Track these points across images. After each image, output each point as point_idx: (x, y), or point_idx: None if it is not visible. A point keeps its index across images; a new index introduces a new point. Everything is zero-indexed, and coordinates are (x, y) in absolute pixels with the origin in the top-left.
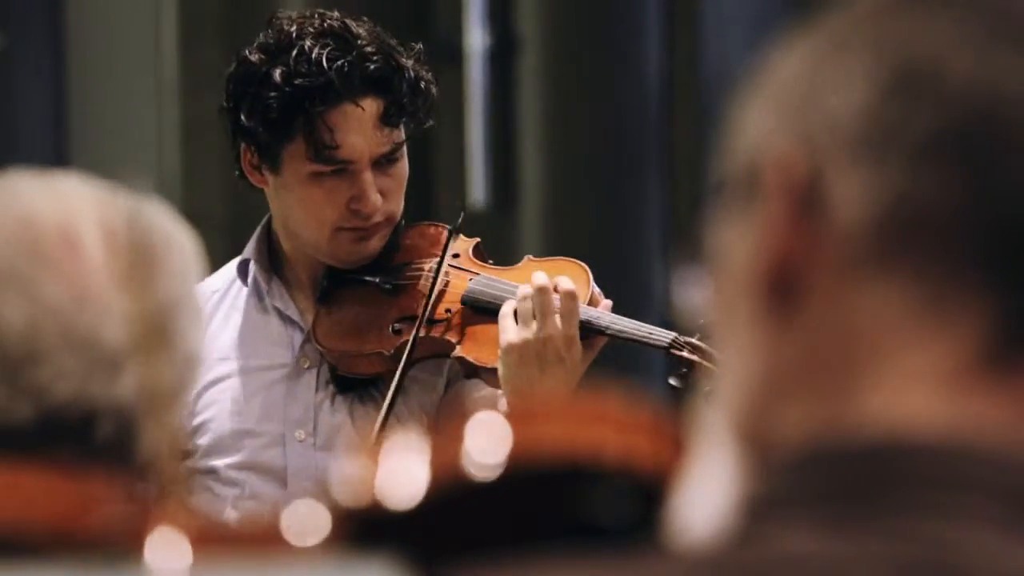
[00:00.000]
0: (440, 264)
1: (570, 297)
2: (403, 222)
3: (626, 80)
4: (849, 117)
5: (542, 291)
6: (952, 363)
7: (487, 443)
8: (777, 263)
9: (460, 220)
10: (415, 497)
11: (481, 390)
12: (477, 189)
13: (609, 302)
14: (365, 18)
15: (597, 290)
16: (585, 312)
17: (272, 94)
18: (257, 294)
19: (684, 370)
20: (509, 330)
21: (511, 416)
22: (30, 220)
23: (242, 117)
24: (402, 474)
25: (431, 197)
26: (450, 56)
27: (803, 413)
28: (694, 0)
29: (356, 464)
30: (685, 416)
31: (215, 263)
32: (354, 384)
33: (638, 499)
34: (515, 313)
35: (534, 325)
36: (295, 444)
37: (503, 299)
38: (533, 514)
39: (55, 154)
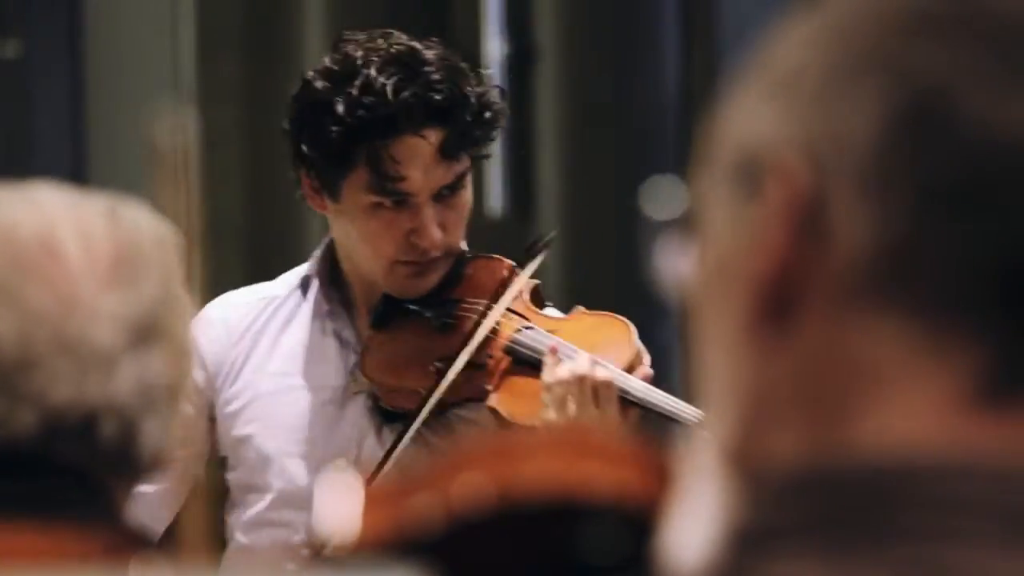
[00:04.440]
0: (491, 308)
1: (607, 387)
2: (467, 253)
3: (644, 88)
4: (859, 145)
5: (581, 381)
6: (948, 396)
7: (475, 481)
8: (774, 274)
9: (527, 263)
10: (401, 536)
11: None
12: (495, 197)
13: (649, 372)
14: (435, 39)
15: (641, 347)
16: (620, 382)
17: (334, 127)
18: (318, 314)
19: None
20: (549, 410)
21: (499, 451)
22: (9, 232)
23: (303, 146)
24: (386, 512)
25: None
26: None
27: (796, 436)
28: (712, 9)
29: (343, 503)
30: (671, 445)
31: (235, 274)
32: (397, 417)
33: (628, 534)
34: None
35: (570, 410)
36: None
37: (545, 355)
38: (523, 552)
39: (72, 164)
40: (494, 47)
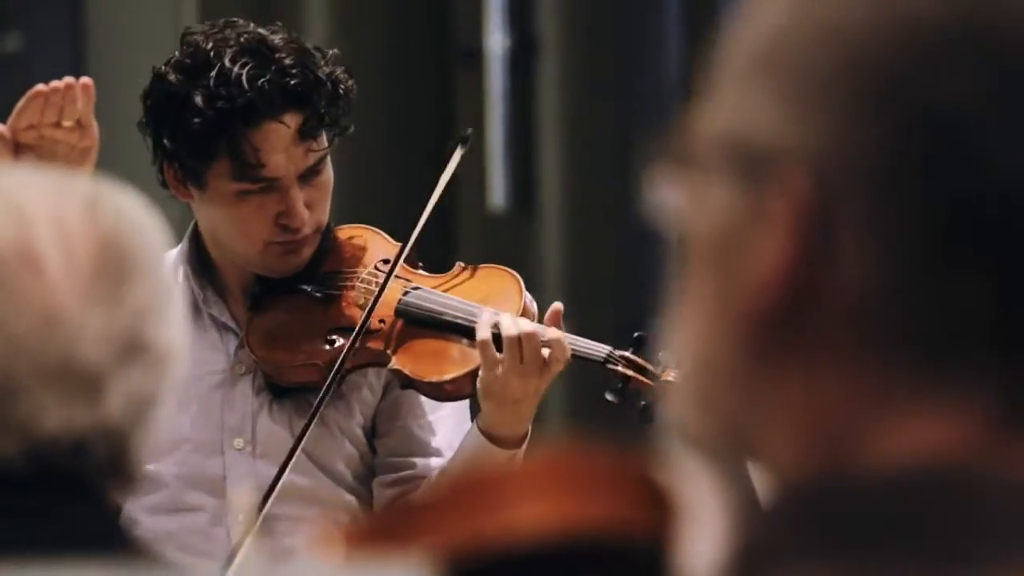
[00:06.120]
0: (386, 281)
1: (560, 347)
2: (331, 223)
3: (646, 82)
4: (868, 175)
5: (529, 338)
6: (959, 424)
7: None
8: (780, 288)
9: (410, 244)
10: None
11: (419, 402)
12: (497, 192)
13: (534, 311)
14: (279, 23)
15: (528, 298)
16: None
17: (195, 119)
18: (192, 302)
19: (619, 385)
20: (496, 369)
21: (479, 498)
22: None
23: (164, 139)
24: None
25: (451, 200)
26: (470, 59)
27: (802, 452)
28: (715, 3)
29: (326, 552)
30: (662, 460)
31: None
32: (289, 391)
33: (638, 567)
34: (494, 339)
35: (524, 370)
36: (233, 452)
37: (439, 313)
38: None
39: None
40: (495, 40)
